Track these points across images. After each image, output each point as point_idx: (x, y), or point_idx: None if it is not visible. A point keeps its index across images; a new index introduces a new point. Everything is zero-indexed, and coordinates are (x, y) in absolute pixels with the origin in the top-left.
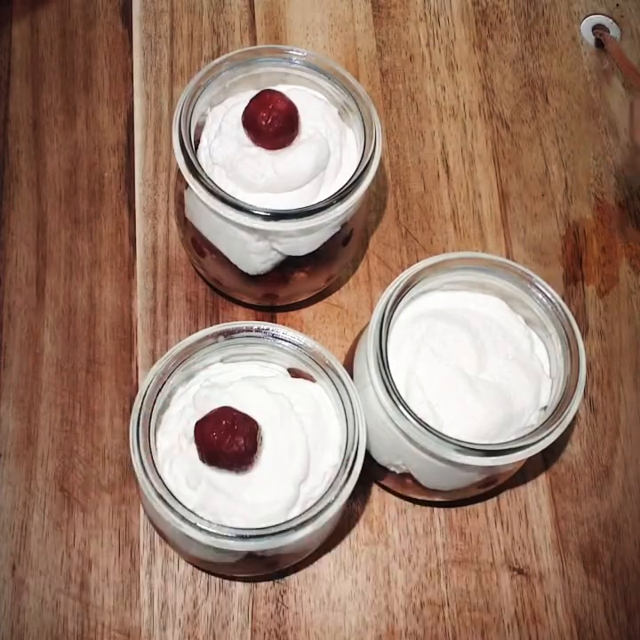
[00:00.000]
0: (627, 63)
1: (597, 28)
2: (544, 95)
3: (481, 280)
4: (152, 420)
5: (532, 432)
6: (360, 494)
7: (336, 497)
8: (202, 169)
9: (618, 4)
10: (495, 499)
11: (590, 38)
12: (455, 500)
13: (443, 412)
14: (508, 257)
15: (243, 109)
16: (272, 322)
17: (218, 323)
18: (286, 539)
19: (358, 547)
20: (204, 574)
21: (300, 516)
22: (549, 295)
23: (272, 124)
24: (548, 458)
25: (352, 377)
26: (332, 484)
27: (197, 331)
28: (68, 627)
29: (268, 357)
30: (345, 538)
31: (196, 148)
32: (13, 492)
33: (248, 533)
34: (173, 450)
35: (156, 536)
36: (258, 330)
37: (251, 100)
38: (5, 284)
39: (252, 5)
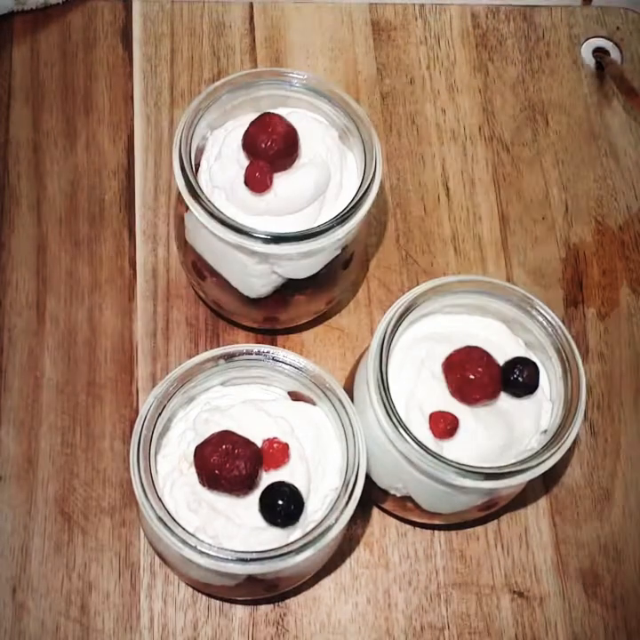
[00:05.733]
0: (628, 86)
1: (598, 51)
2: (544, 118)
3: (481, 303)
4: (152, 443)
5: (532, 455)
6: (360, 517)
7: (336, 520)
8: (202, 192)
9: (618, 28)
10: (495, 522)
11: (591, 61)
12: (455, 523)
13: None
14: (508, 280)
15: (243, 132)
16: (273, 345)
17: (218, 346)
18: (286, 562)
19: (359, 570)
20: (204, 597)
21: (300, 539)
22: (550, 318)
23: (271, 147)
24: (548, 481)
25: (352, 400)
26: (333, 507)
27: (198, 354)
28: None
29: (268, 380)
30: (345, 561)
31: (197, 171)
32: (14, 515)
33: (248, 556)
34: (174, 473)
35: (157, 559)
36: (258, 353)
37: (250, 124)
38: (6, 307)
39: (253, 28)
